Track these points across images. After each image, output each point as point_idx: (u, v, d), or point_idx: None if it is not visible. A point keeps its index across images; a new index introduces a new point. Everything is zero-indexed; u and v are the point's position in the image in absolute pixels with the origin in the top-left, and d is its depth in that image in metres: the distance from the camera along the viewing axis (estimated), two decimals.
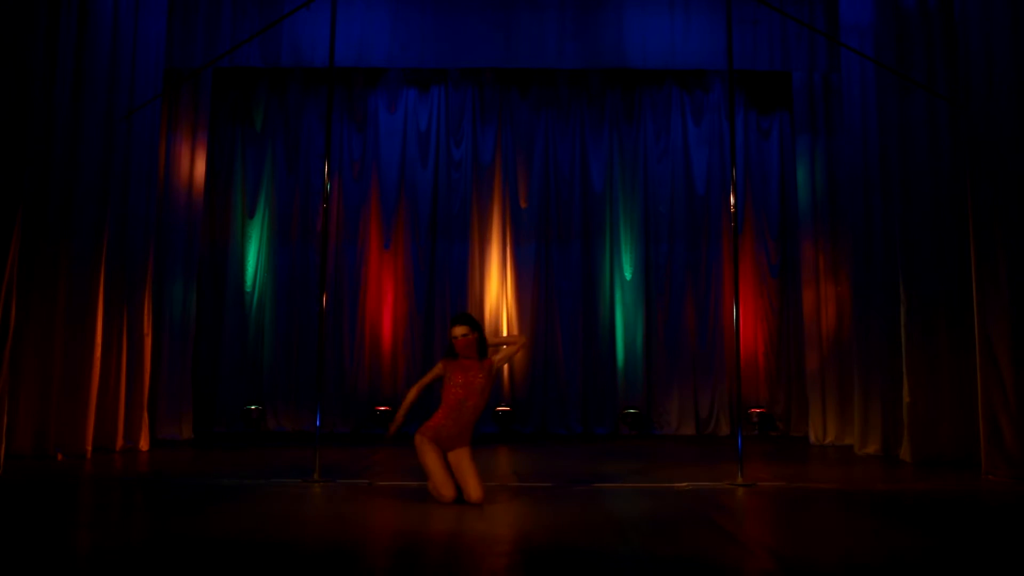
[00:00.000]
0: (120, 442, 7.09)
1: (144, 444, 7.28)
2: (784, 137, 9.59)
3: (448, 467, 4.43)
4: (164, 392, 8.18)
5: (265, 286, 9.41)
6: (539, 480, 5.38)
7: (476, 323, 4.67)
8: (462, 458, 4.44)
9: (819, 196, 8.73)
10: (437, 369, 4.73)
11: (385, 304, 9.43)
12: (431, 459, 4.41)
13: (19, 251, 5.61)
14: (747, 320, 9.25)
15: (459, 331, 4.59)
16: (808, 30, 8.00)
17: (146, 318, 7.52)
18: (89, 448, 6.65)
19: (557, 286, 9.43)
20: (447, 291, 9.38)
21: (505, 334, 9.19)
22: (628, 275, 9.42)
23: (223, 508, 4.18)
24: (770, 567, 3.01)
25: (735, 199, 5.77)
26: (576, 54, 8.71)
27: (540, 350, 9.34)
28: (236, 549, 3.22)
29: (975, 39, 5.99)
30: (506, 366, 9.31)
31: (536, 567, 2.99)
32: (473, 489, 4.32)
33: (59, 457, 6.39)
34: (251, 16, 8.34)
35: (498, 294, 9.43)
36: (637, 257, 9.43)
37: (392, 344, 9.38)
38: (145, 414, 7.37)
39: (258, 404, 9.13)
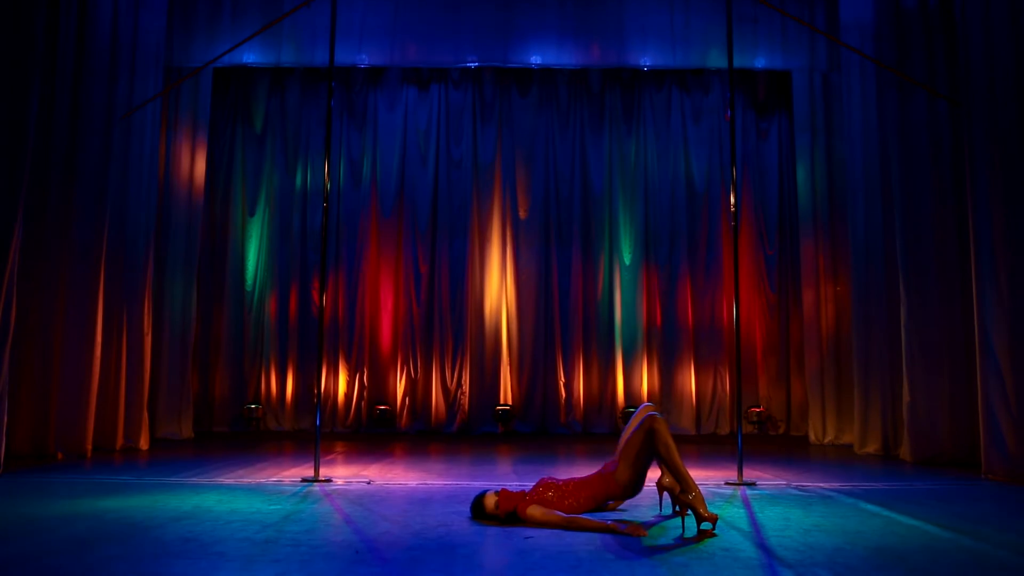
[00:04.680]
0: (120, 441, 7.11)
1: (144, 443, 7.29)
2: (783, 137, 9.59)
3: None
4: (164, 391, 8.20)
5: (265, 285, 9.41)
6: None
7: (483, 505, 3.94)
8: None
9: (819, 195, 8.74)
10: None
11: (385, 302, 9.43)
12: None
13: (19, 250, 5.61)
14: (747, 319, 9.26)
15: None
16: (808, 29, 8.00)
17: (146, 317, 7.52)
18: (89, 447, 6.66)
19: (557, 285, 9.44)
20: (447, 290, 9.38)
21: (506, 351, 9.25)
22: (628, 275, 9.43)
23: (222, 506, 4.18)
24: (771, 567, 3.01)
25: (735, 199, 5.77)
26: (576, 53, 8.70)
27: (540, 349, 9.35)
28: (235, 548, 3.22)
29: (975, 37, 5.98)
30: (507, 367, 9.33)
31: (536, 568, 2.99)
32: None
33: (59, 456, 6.39)
34: (251, 15, 8.34)
35: (498, 293, 9.43)
36: (637, 257, 9.43)
37: (392, 343, 9.39)
38: (145, 413, 7.38)
39: (258, 403, 9.14)
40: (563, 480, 4.01)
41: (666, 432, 3.77)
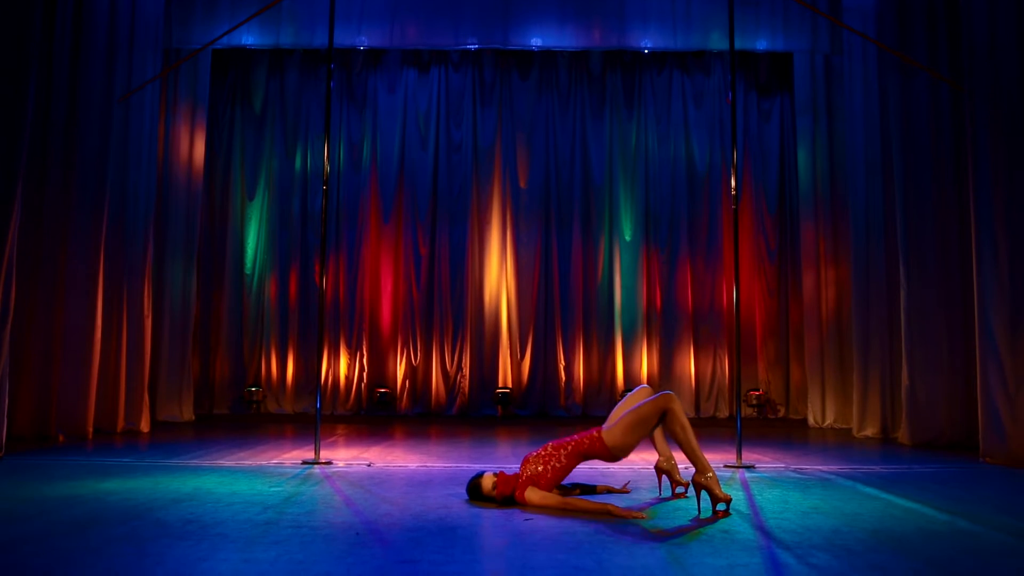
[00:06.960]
0: (121, 423, 7.13)
1: (145, 425, 7.31)
2: (785, 119, 9.56)
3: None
4: (164, 374, 8.21)
5: (265, 268, 9.41)
6: None
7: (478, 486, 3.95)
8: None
9: (820, 178, 8.72)
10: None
11: (385, 285, 9.43)
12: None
13: (18, 232, 5.60)
14: (747, 303, 9.26)
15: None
16: (811, 11, 7.95)
17: (146, 300, 7.53)
18: (90, 429, 6.68)
19: (557, 268, 9.43)
20: (447, 272, 9.39)
21: (506, 334, 9.24)
22: (628, 258, 9.42)
23: (223, 488, 4.20)
24: (769, 548, 3.03)
25: (735, 181, 5.75)
26: (577, 35, 8.65)
27: (540, 333, 9.36)
28: (236, 529, 3.24)
29: (978, 19, 5.94)
30: (507, 350, 9.34)
31: (535, 549, 3.01)
32: None
33: (60, 439, 6.41)
34: None
35: (498, 277, 9.43)
36: (637, 240, 9.42)
37: (392, 325, 9.40)
38: (146, 395, 7.40)
39: (258, 386, 9.16)
40: (541, 447, 3.98)
41: (682, 413, 3.76)
